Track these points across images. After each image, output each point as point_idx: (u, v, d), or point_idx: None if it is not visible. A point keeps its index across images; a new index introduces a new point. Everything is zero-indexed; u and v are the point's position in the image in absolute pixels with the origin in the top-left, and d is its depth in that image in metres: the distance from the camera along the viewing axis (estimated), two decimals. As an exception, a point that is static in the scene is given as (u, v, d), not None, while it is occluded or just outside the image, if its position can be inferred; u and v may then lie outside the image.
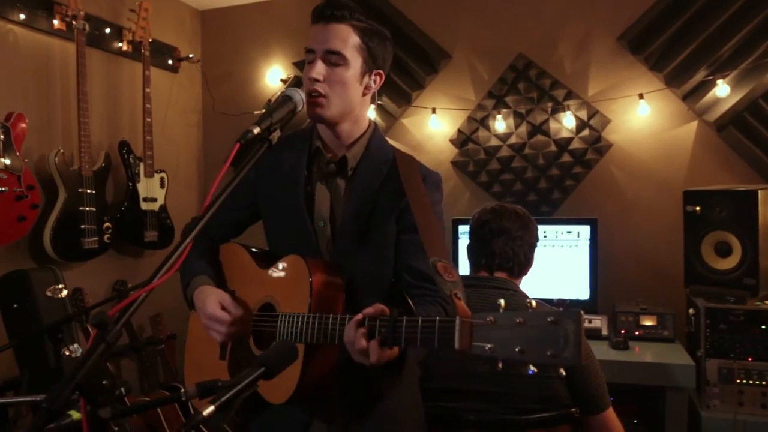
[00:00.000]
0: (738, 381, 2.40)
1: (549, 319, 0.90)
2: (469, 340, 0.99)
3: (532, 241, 1.95)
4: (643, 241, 3.09)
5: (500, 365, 0.95)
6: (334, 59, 1.40)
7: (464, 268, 2.99)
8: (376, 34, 1.46)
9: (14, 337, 2.31)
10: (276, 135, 1.28)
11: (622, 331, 2.75)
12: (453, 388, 1.74)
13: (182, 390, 1.05)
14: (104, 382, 0.83)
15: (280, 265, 1.43)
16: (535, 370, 0.93)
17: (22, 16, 2.72)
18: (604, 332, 2.79)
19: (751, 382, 2.40)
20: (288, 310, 1.36)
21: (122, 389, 1.29)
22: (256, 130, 1.22)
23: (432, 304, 1.40)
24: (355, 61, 1.43)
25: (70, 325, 2.40)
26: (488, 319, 0.96)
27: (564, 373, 1.70)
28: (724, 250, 2.59)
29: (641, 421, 2.60)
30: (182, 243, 1.03)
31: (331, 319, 1.26)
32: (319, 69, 1.40)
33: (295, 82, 3.63)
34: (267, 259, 1.50)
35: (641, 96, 3.02)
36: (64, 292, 2.50)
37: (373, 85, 1.50)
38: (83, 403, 0.82)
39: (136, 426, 2.48)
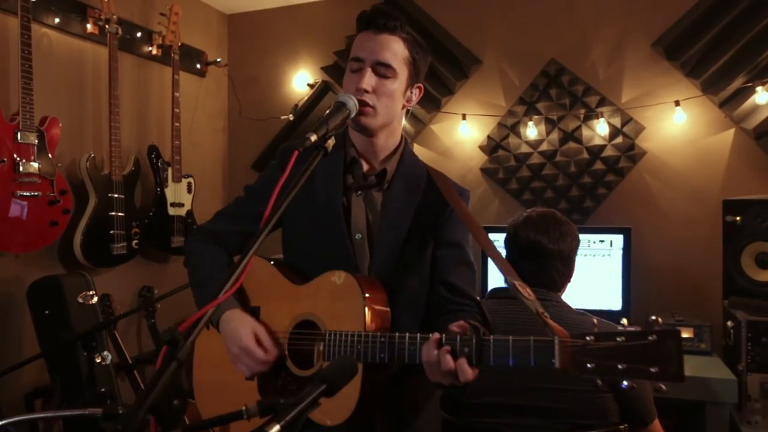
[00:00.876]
0: (781, 396, 2.34)
1: (651, 338, 0.95)
2: (570, 358, 1.00)
3: (566, 253, 1.82)
4: (678, 251, 3.03)
5: (599, 383, 0.98)
6: (383, 71, 1.39)
7: (497, 276, 2.97)
8: (421, 47, 1.45)
9: (45, 343, 2.30)
10: (331, 142, 1.25)
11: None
12: (496, 403, 1.70)
13: (243, 409, 1.02)
14: (175, 402, 0.80)
15: (323, 281, 1.38)
16: (632, 385, 0.98)
17: (57, 20, 2.72)
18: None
19: (794, 397, 2.33)
20: (335, 327, 1.32)
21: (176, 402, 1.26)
22: (314, 138, 1.19)
23: (472, 319, 1.38)
24: (402, 74, 1.42)
25: (101, 333, 2.39)
26: (588, 338, 0.97)
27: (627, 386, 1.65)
28: (765, 262, 2.53)
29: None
30: (244, 258, 1.00)
31: (398, 338, 1.23)
32: (369, 80, 1.38)
33: (323, 88, 3.61)
34: (298, 273, 1.45)
35: (677, 103, 2.97)
36: (95, 299, 2.49)
37: (414, 98, 1.49)
38: (153, 425, 0.80)
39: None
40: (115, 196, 2.84)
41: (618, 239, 2.94)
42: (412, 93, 1.47)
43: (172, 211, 3.20)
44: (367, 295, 1.30)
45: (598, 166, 3.14)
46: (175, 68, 3.20)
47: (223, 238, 1.53)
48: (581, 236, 3.04)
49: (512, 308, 1.73)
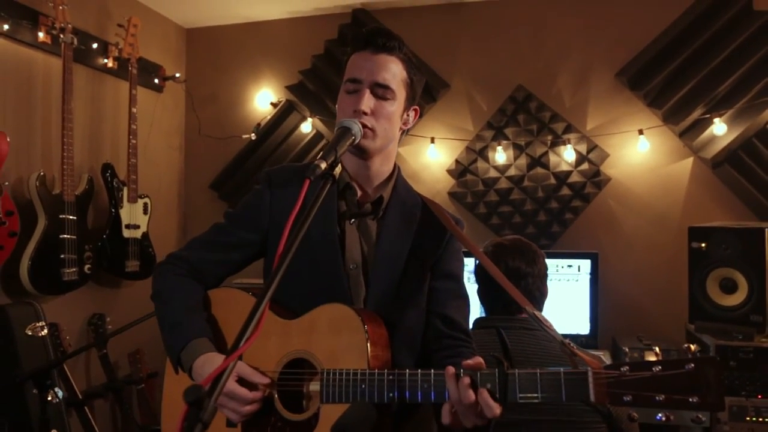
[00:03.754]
0: (749, 419, 2.39)
1: (689, 367, 0.92)
2: (606, 390, 0.97)
3: (543, 273, 1.88)
4: (643, 275, 3.10)
5: (635, 415, 0.94)
6: (382, 92, 1.33)
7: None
8: (417, 69, 1.41)
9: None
10: (338, 170, 1.18)
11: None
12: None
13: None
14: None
15: (318, 315, 1.28)
16: (664, 418, 0.94)
17: (6, 27, 2.52)
18: (610, 369, 2.75)
19: (761, 419, 2.39)
20: (333, 366, 1.22)
21: None
22: (323, 165, 1.12)
23: (467, 355, 1.32)
24: (401, 96, 1.37)
25: (51, 370, 2.19)
26: (623, 369, 0.93)
27: (613, 416, 1.64)
28: (729, 287, 2.59)
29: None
30: (261, 303, 0.91)
31: (409, 374, 1.14)
32: (368, 102, 1.32)
33: (287, 107, 3.51)
34: (286, 308, 1.34)
35: (641, 132, 3.05)
36: (45, 330, 2.29)
37: (410, 121, 1.44)
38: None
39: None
40: (68, 217, 2.64)
41: (585, 264, 2.97)
42: (408, 115, 1.42)
43: (127, 233, 3.01)
44: (369, 329, 1.22)
45: (565, 191, 3.18)
46: (133, 82, 3.03)
47: (199, 267, 1.42)
48: (550, 261, 3.07)
49: (516, 338, 1.70)
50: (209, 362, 1.24)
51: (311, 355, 1.26)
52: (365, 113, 1.31)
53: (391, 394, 1.15)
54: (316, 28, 3.49)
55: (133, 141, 3.03)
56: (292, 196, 1.37)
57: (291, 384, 1.27)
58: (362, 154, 1.36)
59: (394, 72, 1.34)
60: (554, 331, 1.17)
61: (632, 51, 3.10)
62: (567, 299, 2.95)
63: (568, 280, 2.99)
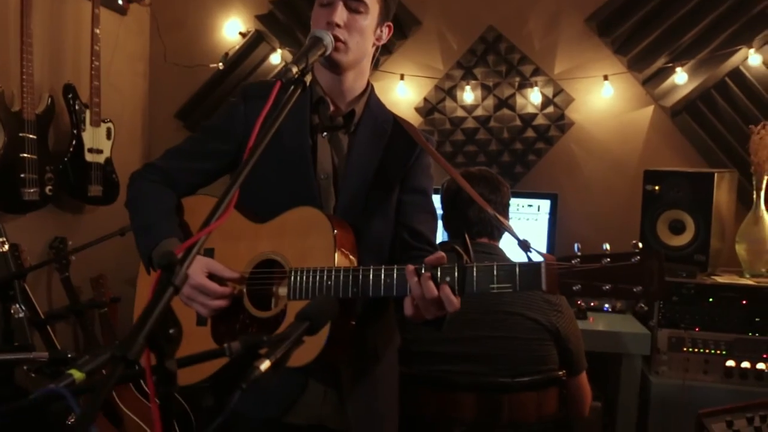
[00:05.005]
0: (685, 349, 2.57)
1: (634, 259, 0.99)
2: (557, 281, 1.03)
3: (505, 201, 1.98)
4: (599, 217, 3.21)
5: (581, 304, 1.03)
6: (355, 5, 1.35)
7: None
8: None
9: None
10: (309, 78, 1.20)
11: (579, 302, 2.85)
12: (445, 351, 1.74)
13: (226, 346, 0.97)
14: (171, 331, 0.75)
15: (289, 218, 1.32)
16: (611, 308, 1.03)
17: (-41, -68, 2.39)
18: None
19: (696, 350, 2.57)
20: (300, 265, 1.27)
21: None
22: (295, 70, 1.14)
23: None
24: (374, 10, 1.39)
25: (15, 283, 2.19)
26: (574, 261, 1.00)
27: (561, 334, 1.75)
28: (677, 228, 2.73)
29: (598, 386, 2.73)
30: (233, 186, 0.94)
31: (373, 270, 1.20)
32: (341, 14, 1.33)
33: (256, 37, 3.45)
34: (257, 213, 1.38)
35: (606, 77, 3.11)
36: (6, 246, 2.28)
37: (383, 36, 1.46)
38: (148, 355, 0.74)
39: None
40: (27, 135, 2.58)
41: (545, 204, 3.07)
42: (382, 31, 1.44)
43: (89, 157, 2.96)
44: (336, 232, 1.27)
45: (530, 133, 3.25)
46: (96, 1, 2.93)
47: (174, 176, 1.44)
48: (512, 200, 3.18)
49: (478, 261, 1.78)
50: None
51: (281, 256, 1.31)
52: (338, 25, 1.32)
53: (354, 289, 1.21)
54: (287, -44, 3.40)
55: (96, 63, 2.95)
56: (272, 106, 1.40)
57: (260, 284, 1.32)
58: (335, 67, 1.38)
59: None
60: (513, 231, 1.24)
61: (602, -4, 3.13)
62: (527, 236, 3.01)
63: (528, 219, 3.09)
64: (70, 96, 2.88)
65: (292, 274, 1.27)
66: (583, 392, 1.89)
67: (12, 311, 2.13)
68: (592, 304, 2.85)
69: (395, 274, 1.19)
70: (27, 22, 2.53)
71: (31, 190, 2.62)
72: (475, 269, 1.11)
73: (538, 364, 1.73)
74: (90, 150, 2.97)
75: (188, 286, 1.25)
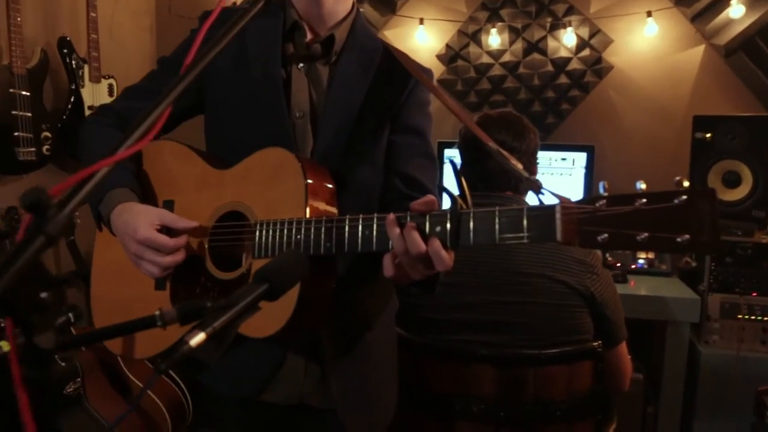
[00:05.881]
0: (740, 317, 2.29)
1: (679, 200, 0.73)
2: (576, 228, 0.79)
3: (532, 149, 1.68)
4: (642, 170, 2.91)
5: (619, 265, 0.77)
6: None
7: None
8: None
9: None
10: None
11: (618, 264, 2.59)
12: (460, 318, 1.52)
13: (157, 313, 0.78)
14: (43, 296, 0.55)
15: (255, 162, 1.11)
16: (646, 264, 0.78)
17: None
18: (599, 265, 2.63)
19: (753, 317, 2.29)
20: (268, 217, 1.06)
21: (70, 315, 0.98)
22: None
23: None
24: None
25: (4, 249, 2.05)
26: (598, 203, 0.76)
27: (596, 299, 1.50)
28: (732, 181, 2.43)
29: (639, 356, 2.48)
30: (161, 104, 0.73)
31: (349, 220, 0.98)
32: None
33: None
34: (222, 158, 1.18)
35: (649, 14, 2.77)
36: (-5, 209, 2.14)
37: None
38: (10, 326, 0.54)
39: (87, 363, 2.16)
40: (19, 92, 2.42)
41: (581, 157, 2.79)
42: None
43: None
44: (309, 179, 1.05)
45: (563, 80, 2.95)
46: (89, -53, 2.72)
47: (129, 118, 1.23)
48: (543, 154, 2.89)
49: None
50: (127, 211, 1.08)
51: (246, 207, 1.10)
52: None
53: (328, 244, 0.99)
54: None
55: (93, 15, 2.76)
56: (238, 34, 1.18)
57: (224, 240, 1.11)
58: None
59: None
60: (517, 168, 1.00)
61: None
62: (560, 193, 2.78)
63: (561, 174, 2.82)
64: (65, 50, 2.70)
65: (257, 227, 1.05)
66: (622, 365, 1.65)
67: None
68: (632, 266, 2.58)
69: (375, 225, 0.96)
70: (11, -33, 2.34)
71: (27, 150, 2.46)
72: (472, 216, 0.87)
73: (570, 333, 1.50)
74: (90, 107, 2.79)
75: (134, 242, 1.06)
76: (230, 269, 1.09)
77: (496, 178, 1.62)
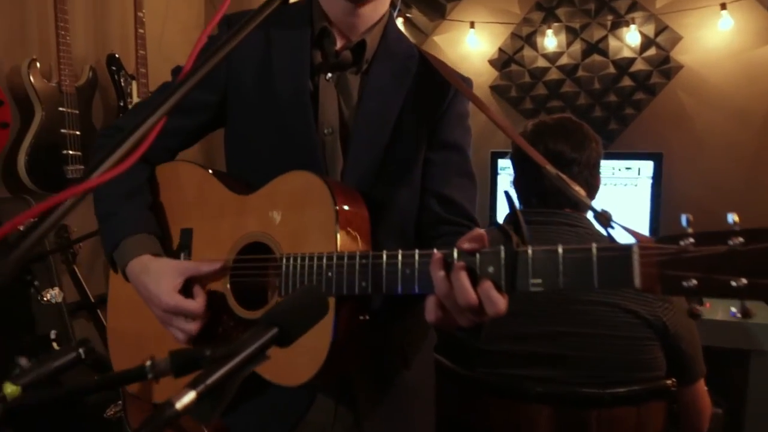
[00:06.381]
0: None
1: None
2: (657, 273, 0.66)
3: (594, 160, 1.52)
4: (716, 179, 2.69)
5: (698, 309, 0.66)
6: None
7: (506, 209, 2.62)
8: None
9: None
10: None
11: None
12: (515, 350, 1.37)
13: (148, 364, 0.68)
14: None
15: (279, 187, 1.01)
16: (740, 314, 0.65)
17: None
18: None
19: None
20: (295, 250, 0.96)
21: (80, 351, 0.90)
22: None
23: None
24: None
25: (48, 266, 2.05)
26: (683, 242, 0.62)
27: (669, 331, 1.32)
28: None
29: (718, 389, 2.25)
30: (144, 122, 0.64)
31: (386, 257, 0.86)
32: None
33: (310, -7, 3.15)
34: (242, 181, 1.09)
35: (723, 6, 2.54)
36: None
37: None
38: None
39: (129, 385, 2.13)
40: (68, 110, 2.44)
41: (647, 166, 2.58)
42: None
43: (138, 132, 2.80)
44: (339, 207, 0.94)
45: (626, 82, 2.75)
46: (137, -36, 2.74)
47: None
48: (605, 163, 2.68)
49: (552, 236, 1.39)
50: (145, 271, 1.01)
51: (269, 238, 1.00)
52: None
53: (363, 283, 0.88)
54: None
55: (141, 31, 2.77)
56: (261, 41, 1.07)
57: (246, 275, 1.02)
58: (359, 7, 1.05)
59: None
60: (586, 198, 0.86)
61: None
62: (624, 206, 2.59)
63: (626, 185, 2.61)
64: (114, 67, 2.71)
65: (283, 262, 0.95)
66: (700, 404, 1.45)
67: (46, 298, 1.99)
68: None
69: (417, 263, 0.84)
70: (60, -13, 2.36)
71: (75, 167, 2.48)
72: (530, 256, 0.74)
73: (639, 370, 1.32)
74: (139, 124, 2.80)
75: (160, 310, 1.00)
76: (255, 306, 1.00)
77: (553, 194, 1.47)
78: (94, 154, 1.18)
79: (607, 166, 2.63)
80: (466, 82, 1.15)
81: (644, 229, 2.57)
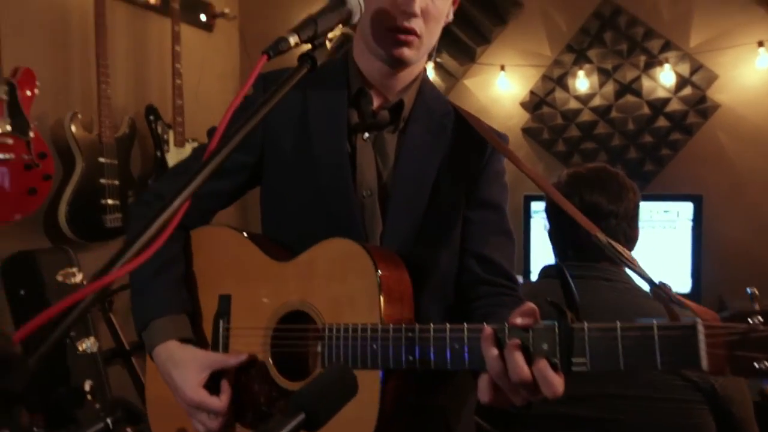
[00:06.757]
0: None
1: None
2: (726, 354, 0.64)
3: (632, 212, 1.48)
4: (760, 221, 2.58)
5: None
6: None
7: (540, 253, 2.57)
8: None
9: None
10: (324, 53, 0.87)
11: None
12: (557, 412, 1.31)
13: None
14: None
15: (319, 254, 1.00)
16: None
17: (33, -40, 2.37)
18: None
19: None
20: (337, 319, 0.95)
21: (108, 421, 0.90)
22: (293, 40, 0.82)
23: (511, 307, 1.01)
24: None
25: (84, 316, 2.08)
26: (753, 320, 0.61)
27: (719, 394, 1.26)
28: None
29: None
30: (173, 202, 0.65)
31: (434, 331, 0.85)
32: (421, 1, 1.00)
33: (342, 41, 3.21)
34: (283, 247, 1.08)
35: (761, 44, 2.49)
36: (79, 277, 2.18)
37: (451, 14, 1.11)
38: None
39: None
40: (107, 161, 2.51)
41: (686, 208, 2.50)
42: (451, 10, 1.10)
43: (174, 179, 2.86)
44: (381, 272, 0.93)
45: (662, 122, 2.70)
46: (175, 18, 2.84)
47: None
48: (642, 205, 2.62)
49: (590, 291, 1.34)
50: (170, 360, 1.01)
51: (310, 306, 0.99)
52: (415, 15, 1.00)
53: (410, 357, 0.87)
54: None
55: (178, 81, 2.86)
56: (293, 100, 1.08)
57: (287, 344, 1.01)
58: (400, 64, 1.06)
59: None
60: (642, 270, 0.83)
61: (751, -55, 2.52)
62: (663, 251, 2.50)
63: (665, 228, 2.53)
64: (151, 117, 2.80)
65: (326, 333, 0.94)
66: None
67: (81, 348, 2.02)
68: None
69: (466, 337, 0.82)
70: (101, 43, 2.46)
71: (113, 216, 2.54)
72: (587, 333, 0.72)
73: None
74: (175, 172, 2.87)
75: (184, 402, 1.00)
76: (297, 375, 0.99)
77: (590, 245, 1.43)
78: (130, 222, 1.19)
79: (644, 209, 2.54)
80: (502, 138, 1.14)
81: (686, 275, 2.48)
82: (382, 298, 0.92)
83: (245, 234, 1.12)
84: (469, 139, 1.11)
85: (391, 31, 1.00)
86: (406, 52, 1.02)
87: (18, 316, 2.09)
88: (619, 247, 0.88)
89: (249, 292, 1.06)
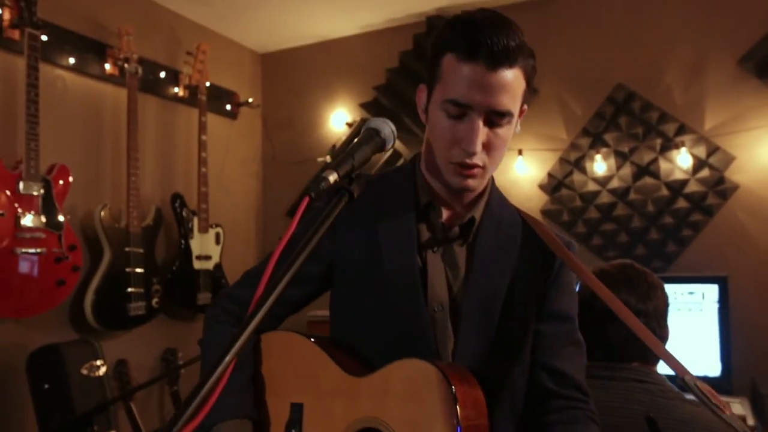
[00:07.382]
0: None
1: None
2: None
3: (662, 310, 1.43)
4: (790, 303, 2.53)
5: None
6: (499, 120, 0.98)
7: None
8: (534, 58, 1.02)
9: (44, 423, 1.99)
10: (361, 184, 0.89)
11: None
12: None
13: None
14: None
15: (393, 374, 1.00)
16: None
17: (72, 61, 2.52)
18: (750, 421, 2.22)
19: None
20: None
21: None
22: (333, 178, 0.84)
23: (585, 423, 0.98)
24: (517, 110, 1.01)
25: (107, 409, 2.07)
26: None
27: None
28: None
29: None
30: (238, 338, 0.67)
31: None
32: (483, 136, 0.98)
33: (361, 125, 3.31)
34: (353, 359, 1.08)
35: (775, 127, 2.52)
36: (102, 370, 2.19)
37: (518, 126, 1.07)
38: None
39: None
40: (133, 250, 2.56)
41: (712, 290, 2.47)
42: (517, 124, 1.06)
43: (197, 264, 2.90)
44: (457, 392, 0.93)
45: (681, 203, 2.70)
46: (202, 109, 2.96)
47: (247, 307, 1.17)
48: (666, 287, 2.60)
49: (609, 391, 1.32)
50: None
51: (384, 424, 0.98)
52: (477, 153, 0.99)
53: None
54: (389, 41, 3.28)
55: (204, 169, 2.95)
56: (361, 213, 1.08)
57: None
58: (465, 192, 1.06)
59: (515, 91, 0.97)
60: (732, 417, 0.81)
61: (757, 32, 2.59)
62: (689, 334, 2.45)
63: (690, 310, 2.49)
64: (177, 204, 2.87)
65: None
66: None
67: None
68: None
69: None
70: (133, 136, 2.56)
71: (137, 305, 2.56)
72: None
73: None
74: (198, 257, 2.91)
75: None
76: None
77: (620, 345, 1.41)
78: (209, 330, 1.17)
79: (669, 291, 2.50)
80: (570, 247, 1.13)
81: (714, 358, 2.42)
82: (460, 421, 0.92)
83: (313, 340, 1.11)
84: (538, 250, 1.09)
85: (459, 165, 1.00)
86: (471, 183, 1.02)
87: (41, 410, 2.09)
88: (706, 389, 0.86)
89: (321, 403, 1.06)
